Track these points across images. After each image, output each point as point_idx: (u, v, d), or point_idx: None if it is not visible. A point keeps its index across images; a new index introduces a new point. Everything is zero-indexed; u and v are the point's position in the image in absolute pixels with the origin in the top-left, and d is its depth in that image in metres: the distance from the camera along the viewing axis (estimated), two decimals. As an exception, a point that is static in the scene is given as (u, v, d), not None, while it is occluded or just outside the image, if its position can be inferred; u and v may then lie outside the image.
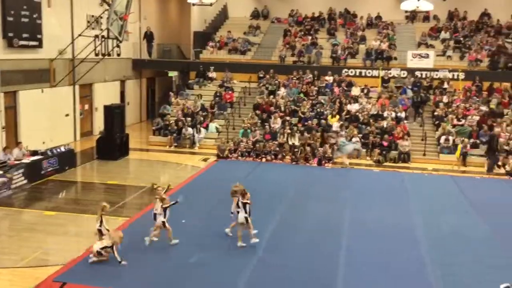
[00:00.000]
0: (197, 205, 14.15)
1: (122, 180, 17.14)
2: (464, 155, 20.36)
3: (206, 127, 23.17)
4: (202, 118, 23.34)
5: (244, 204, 10.96)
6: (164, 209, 10.88)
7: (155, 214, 11.00)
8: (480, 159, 20.40)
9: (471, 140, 21.13)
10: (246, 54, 28.68)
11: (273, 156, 20.46)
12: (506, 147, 20.16)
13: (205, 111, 24.14)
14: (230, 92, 25.53)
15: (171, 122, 23.16)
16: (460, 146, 20.04)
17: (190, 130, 22.62)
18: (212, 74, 27.11)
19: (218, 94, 25.38)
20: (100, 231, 10.32)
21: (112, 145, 19.81)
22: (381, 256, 10.84)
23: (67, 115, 22.58)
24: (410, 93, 24.32)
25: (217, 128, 23.34)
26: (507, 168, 19.15)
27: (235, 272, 9.84)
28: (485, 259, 10.73)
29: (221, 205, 14.13)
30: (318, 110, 23.40)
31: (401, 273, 10.01)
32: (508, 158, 19.54)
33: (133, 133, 23.41)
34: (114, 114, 20.23)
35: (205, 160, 20.22)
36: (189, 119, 23.17)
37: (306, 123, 22.52)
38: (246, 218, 10.95)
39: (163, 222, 10.90)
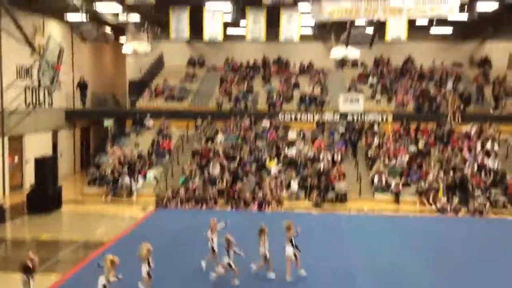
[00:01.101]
0: (136, 257, 13.69)
1: (55, 234, 16.36)
2: (396, 194, 21.16)
3: (144, 176, 22.78)
4: (140, 167, 22.95)
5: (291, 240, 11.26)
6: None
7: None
8: (412, 198, 21.25)
9: (403, 179, 22.04)
10: (183, 101, 28.80)
11: (213, 202, 20.34)
12: (435, 185, 21.14)
13: (142, 159, 23.78)
14: (167, 139, 25.38)
15: (107, 172, 22.59)
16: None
17: (127, 179, 22.13)
18: (149, 122, 26.92)
19: (155, 142, 25.15)
20: None
21: (44, 198, 18.98)
22: None
23: (-5, 168, 21.53)
24: (341, 129, 25.22)
25: (155, 177, 23.00)
26: (438, 205, 20.04)
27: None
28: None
29: (163, 254, 13.80)
30: (257, 155, 23.69)
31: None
32: (438, 195, 20.48)
33: (66, 185, 22.58)
34: (46, 165, 19.52)
35: (144, 209, 19.75)
36: (125, 168, 22.71)
37: (245, 168, 22.68)
38: (294, 253, 11.23)
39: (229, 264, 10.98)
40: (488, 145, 23.50)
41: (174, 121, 26.87)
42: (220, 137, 25.16)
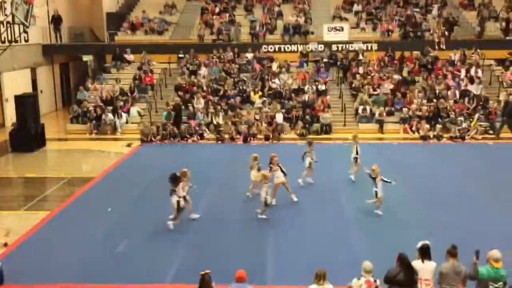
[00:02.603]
0: (123, 192, 13.82)
1: (41, 172, 16.33)
2: (381, 123, 21.30)
3: (127, 112, 22.52)
4: (122, 103, 22.63)
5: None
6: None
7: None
8: (395, 126, 21.43)
9: (387, 108, 22.11)
10: (163, 35, 28.02)
11: (198, 137, 20.34)
12: (418, 113, 21.28)
13: (125, 95, 23.42)
14: (149, 74, 24.90)
15: (89, 108, 22.28)
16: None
17: (110, 115, 21.87)
18: (130, 57, 26.26)
19: (137, 77, 24.68)
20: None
21: (27, 137, 18.76)
22: (311, 226, 11.20)
23: (-27, 108, 21.08)
24: (325, 59, 25.07)
25: (139, 112, 22.76)
26: (421, 132, 20.27)
27: (166, 257, 9.76)
28: (404, 218, 11.39)
29: (148, 190, 13.94)
30: (241, 87, 23.45)
31: (328, 237, 10.41)
32: (422, 123, 20.66)
33: (49, 123, 22.29)
34: (27, 104, 19.14)
35: (128, 145, 19.69)
36: (108, 104, 22.39)
37: (229, 101, 22.53)
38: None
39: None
40: (472, 71, 23.47)
41: (155, 55, 26.22)
42: (203, 71, 24.73)
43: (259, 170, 12.80)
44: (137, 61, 26.01)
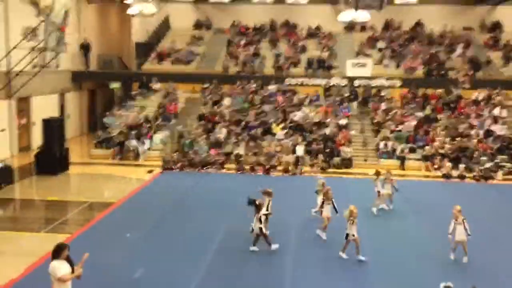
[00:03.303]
0: (143, 218, 13.89)
1: (63, 195, 16.55)
2: (402, 159, 21.11)
3: (151, 139, 22.81)
4: (146, 130, 22.97)
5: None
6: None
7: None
8: (417, 163, 21.20)
9: (409, 145, 21.94)
10: (189, 65, 28.55)
11: (219, 166, 20.43)
12: (441, 151, 21.05)
13: (148, 122, 23.78)
14: (174, 103, 25.28)
15: (114, 134, 22.64)
16: None
17: (133, 142, 22.19)
18: (156, 85, 26.76)
19: (162, 105, 25.08)
20: None
21: (52, 160, 19.10)
22: (327, 261, 11.04)
23: (3, 130, 21.60)
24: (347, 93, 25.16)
25: (161, 140, 23.03)
26: (443, 171, 20.00)
27: (182, 283, 9.71)
28: (426, 259, 11.13)
29: (167, 217, 13.99)
30: (263, 118, 23.61)
31: (346, 277, 10.23)
32: (444, 161, 20.42)
33: (74, 147, 22.71)
34: (53, 127, 19.56)
35: (150, 172, 19.86)
36: (132, 131, 22.74)
37: (251, 132, 22.66)
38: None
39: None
40: (496, 111, 23.23)
41: (181, 84, 26.68)
42: (226, 101, 25.02)
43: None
44: (163, 89, 26.46)
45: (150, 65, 28.53)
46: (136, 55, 29.86)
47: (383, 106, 24.40)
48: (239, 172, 20.08)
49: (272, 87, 25.99)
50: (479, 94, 24.68)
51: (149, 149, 22.39)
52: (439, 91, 25.34)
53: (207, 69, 27.99)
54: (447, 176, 19.68)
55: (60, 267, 7.22)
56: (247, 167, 20.29)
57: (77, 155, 22.20)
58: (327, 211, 12.46)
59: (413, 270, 10.61)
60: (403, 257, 11.32)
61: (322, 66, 27.29)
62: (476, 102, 24.36)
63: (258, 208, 11.41)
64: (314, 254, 11.50)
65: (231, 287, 9.36)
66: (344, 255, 11.13)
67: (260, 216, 11.34)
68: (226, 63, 27.77)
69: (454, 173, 19.76)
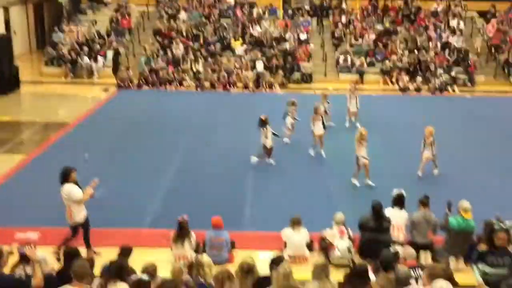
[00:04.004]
0: (100, 138, 13.70)
1: (16, 115, 16.02)
2: (361, 73, 21.26)
3: (104, 56, 21.96)
4: (98, 46, 22.05)
5: None
6: None
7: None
8: (375, 77, 21.43)
9: (368, 59, 22.02)
10: (141, -24, 26.99)
11: (177, 84, 20.07)
12: (399, 64, 21.27)
13: (101, 38, 22.76)
14: (127, 17, 24.13)
15: (64, 51, 21.64)
16: None
17: (86, 59, 21.33)
18: (106, -2, 25.38)
19: (114, 19, 23.93)
20: None
21: (1, 79, 18.24)
22: (287, 174, 11.33)
23: None
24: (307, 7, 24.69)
25: (115, 56, 22.17)
26: (400, 84, 20.34)
27: (145, 202, 9.82)
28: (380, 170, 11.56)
29: (125, 137, 13.86)
30: (221, 34, 22.99)
31: (308, 189, 10.57)
32: (401, 74, 20.70)
33: (23, 65, 21.63)
34: (0, 45, 18.49)
35: (105, 90, 19.34)
36: (84, 48, 21.78)
37: (209, 48, 22.13)
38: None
39: None
40: (454, 23, 23.37)
41: (133, -3, 25.39)
42: (182, 15, 24.08)
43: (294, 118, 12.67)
44: (114, 2, 25.14)
45: (99, -24, 26.80)
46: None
47: (343, 19, 24.08)
48: (198, 89, 19.82)
49: (230, 0, 25.08)
50: (438, 5, 24.64)
51: (103, 66, 21.61)
52: (399, 2, 25.10)
53: (161, -20, 26.53)
54: (404, 89, 20.06)
55: (75, 190, 7.43)
56: (207, 84, 20.03)
57: (27, 73, 21.22)
58: (318, 128, 12.28)
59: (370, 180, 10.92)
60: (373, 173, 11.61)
61: (281, -23, 26.37)
62: (435, 14, 24.36)
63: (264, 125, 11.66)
64: (276, 170, 11.76)
65: (193, 205, 9.53)
66: (357, 182, 10.65)
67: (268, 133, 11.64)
68: (181, -26, 26.39)
69: (411, 86, 20.15)
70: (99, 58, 21.55)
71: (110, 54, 21.95)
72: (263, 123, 11.69)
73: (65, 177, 7.46)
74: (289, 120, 13.33)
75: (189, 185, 10.74)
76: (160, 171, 11.34)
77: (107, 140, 13.49)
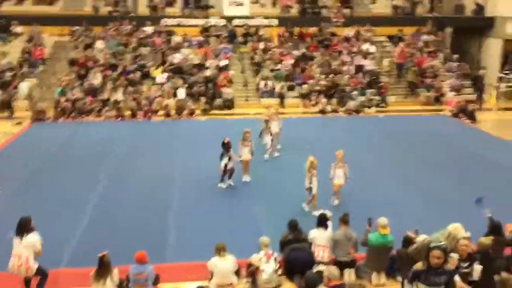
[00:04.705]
0: (14, 173, 12.94)
1: None
2: (282, 97, 21.77)
3: (16, 88, 20.91)
4: (10, 79, 20.99)
5: None
6: None
7: None
8: (295, 100, 22.02)
9: (287, 83, 22.62)
10: (54, 5, 26.20)
11: (96, 114, 19.48)
12: (316, 88, 22.01)
13: (12, 70, 21.71)
14: (40, 48, 23.22)
15: (-28, 85, 20.39)
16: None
17: (-4, 92, 20.22)
18: (17, 29, 24.29)
19: (26, 50, 22.95)
20: None
21: None
22: (211, 202, 11.24)
23: None
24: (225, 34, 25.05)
25: (29, 89, 21.18)
26: (320, 107, 21.02)
27: (62, 239, 9.32)
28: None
29: (40, 171, 13.19)
30: (141, 62, 22.71)
31: (232, 215, 10.52)
32: (320, 97, 21.43)
33: None
34: None
35: (18, 124, 18.39)
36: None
37: (128, 76, 21.76)
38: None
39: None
40: (365, 47, 24.62)
41: (46, 27, 24.49)
42: (99, 44, 23.55)
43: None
44: (26, 33, 24.15)
45: (9, 7, 25.72)
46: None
47: (262, 45, 24.65)
48: (118, 119, 19.36)
49: (148, 28, 24.92)
50: (350, 31, 25.89)
51: (14, 99, 20.52)
52: (314, 29, 26.11)
53: (74, 10, 25.90)
54: (323, 111, 20.74)
55: (39, 238, 7.49)
56: (127, 113, 19.62)
57: None
58: (246, 153, 12.32)
59: (290, 201, 10.97)
60: (282, 190, 11.82)
61: (198, 6, 26.63)
62: (347, 39, 25.56)
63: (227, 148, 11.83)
64: (199, 197, 11.64)
65: (115, 238, 9.18)
66: (307, 207, 10.58)
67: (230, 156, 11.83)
68: (96, 3, 25.92)
69: (329, 108, 20.89)
70: (11, 91, 20.46)
71: (23, 86, 20.93)
72: (226, 146, 11.76)
73: (26, 226, 7.43)
74: (267, 138, 14.37)
75: (109, 218, 10.36)
76: (77, 205, 10.87)
77: (21, 175, 12.77)
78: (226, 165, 11.87)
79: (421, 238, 7.40)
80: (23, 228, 7.47)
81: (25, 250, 7.37)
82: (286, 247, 7.93)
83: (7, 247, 7.66)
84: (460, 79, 23.65)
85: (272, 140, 14.45)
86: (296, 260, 7.64)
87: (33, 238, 7.41)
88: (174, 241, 9.48)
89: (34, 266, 7.45)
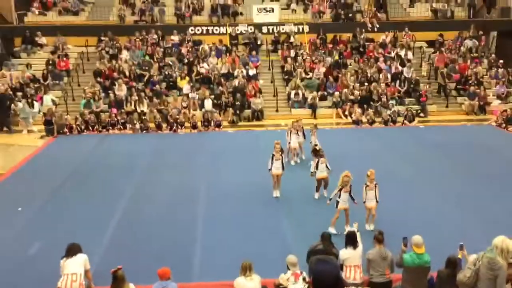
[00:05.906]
0: (37, 188, 13.30)
1: None
2: (313, 107, 21.73)
3: (41, 100, 21.55)
4: (34, 91, 21.66)
5: None
6: None
7: None
8: (328, 110, 21.94)
9: (319, 93, 22.58)
10: (79, 15, 26.99)
11: (121, 127, 19.87)
12: (351, 97, 21.90)
13: (37, 82, 22.40)
14: (64, 59, 23.91)
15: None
16: None
17: (20, 105, 20.84)
18: (42, 40, 25.11)
19: (51, 62, 23.66)
20: None
21: None
22: (238, 218, 11.27)
23: None
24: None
25: (53, 101, 21.81)
26: (353, 117, 20.89)
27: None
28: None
29: (63, 187, 13.51)
30: (167, 72, 23.10)
31: (260, 232, 10.52)
32: (354, 107, 21.30)
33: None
34: None
35: (42, 137, 18.92)
36: (18, 93, 21.33)
37: (154, 88, 22.15)
38: None
39: None
40: (403, 54, 24.39)
41: (71, 38, 25.23)
42: (124, 55, 24.09)
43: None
44: (51, 44, 24.93)
45: (34, 17, 26.62)
46: (15, 6, 27.60)
47: (292, 53, 24.72)
48: (143, 132, 19.69)
49: (174, 38, 25.36)
50: (387, 37, 25.72)
51: (39, 112, 21.15)
52: (348, 35, 26.06)
53: (99, 20, 26.63)
54: (357, 122, 20.59)
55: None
56: (152, 125, 19.94)
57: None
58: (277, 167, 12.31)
59: (323, 217, 10.96)
60: (314, 207, 11.76)
61: (226, 13, 26.95)
62: (383, 45, 25.40)
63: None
64: (227, 213, 11.69)
65: (138, 256, 9.31)
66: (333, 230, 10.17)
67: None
68: (122, 12, 26.56)
69: (364, 118, 20.72)
70: (35, 103, 21.10)
71: (47, 98, 21.58)
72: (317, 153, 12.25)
73: (79, 249, 8.02)
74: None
75: (133, 235, 10.48)
76: (102, 220, 11.05)
77: (44, 190, 13.09)
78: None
79: (471, 258, 7.21)
80: (74, 250, 7.97)
81: (78, 268, 7.80)
82: (313, 256, 7.93)
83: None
84: (506, 86, 23.17)
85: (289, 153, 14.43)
86: (323, 273, 7.62)
87: (84, 256, 7.99)
88: (200, 258, 9.52)
89: (84, 283, 7.83)
